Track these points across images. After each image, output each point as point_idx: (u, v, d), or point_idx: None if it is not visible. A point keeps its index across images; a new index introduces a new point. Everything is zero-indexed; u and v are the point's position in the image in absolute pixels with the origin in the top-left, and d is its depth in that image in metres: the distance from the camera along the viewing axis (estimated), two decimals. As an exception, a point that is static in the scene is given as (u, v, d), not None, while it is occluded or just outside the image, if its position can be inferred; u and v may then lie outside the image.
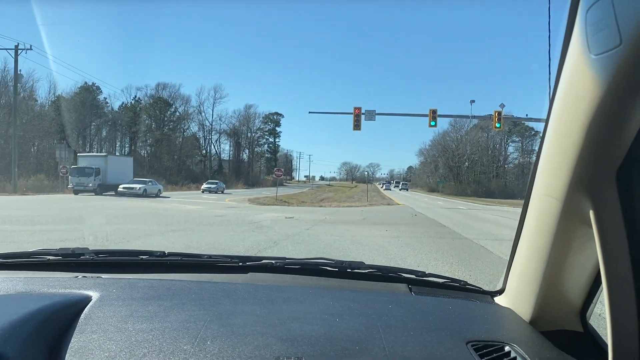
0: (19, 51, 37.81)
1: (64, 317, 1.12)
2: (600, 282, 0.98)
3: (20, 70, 41.48)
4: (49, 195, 33.97)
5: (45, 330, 1.04)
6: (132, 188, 35.15)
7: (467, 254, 10.09)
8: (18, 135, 40.92)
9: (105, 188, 36.97)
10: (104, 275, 1.55)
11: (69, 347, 1.02)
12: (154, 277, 1.56)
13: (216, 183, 54.16)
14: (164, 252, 1.75)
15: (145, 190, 35.62)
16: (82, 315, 1.16)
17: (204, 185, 52.62)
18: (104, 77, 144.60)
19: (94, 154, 45.20)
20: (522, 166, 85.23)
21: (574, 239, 1.05)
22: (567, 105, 0.92)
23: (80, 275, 1.55)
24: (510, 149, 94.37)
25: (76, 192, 35.88)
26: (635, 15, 0.69)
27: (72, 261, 1.69)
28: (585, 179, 0.91)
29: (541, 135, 1.10)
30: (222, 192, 51.17)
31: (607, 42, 0.75)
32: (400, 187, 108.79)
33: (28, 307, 1.09)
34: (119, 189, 35.14)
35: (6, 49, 38.59)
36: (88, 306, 1.22)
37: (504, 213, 27.78)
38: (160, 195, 37.75)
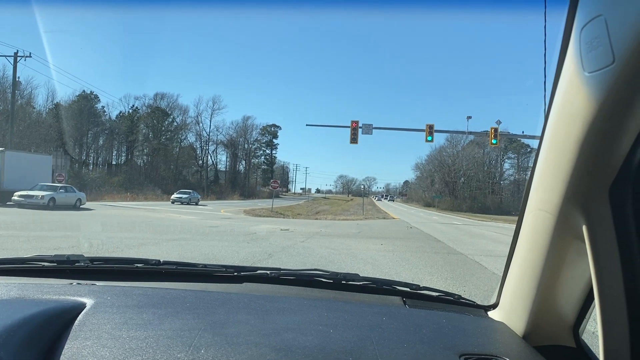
0: (18, 58, 37.91)
1: (57, 324, 1.12)
2: (593, 298, 0.98)
3: (18, 77, 41.41)
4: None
5: (39, 336, 1.03)
6: (33, 197, 24.89)
7: (461, 269, 10.08)
8: (15, 142, 40.75)
9: (1, 196, 26.89)
10: (98, 283, 1.54)
11: (63, 353, 1.02)
12: (148, 285, 1.55)
13: (189, 193, 45.67)
14: (159, 261, 1.75)
15: (52, 200, 25.45)
16: (76, 322, 1.16)
17: (174, 195, 44.65)
18: (103, 85, 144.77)
19: None
20: (518, 183, 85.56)
21: (568, 253, 1.06)
22: (561, 121, 0.93)
23: (74, 282, 1.54)
24: (506, 165, 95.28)
25: None
26: (628, 34, 0.71)
27: (67, 268, 1.69)
28: (579, 195, 0.92)
29: (536, 151, 1.12)
30: (196, 204, 43.62)
31: (601, 60, 0.76)
32: (388, 199, 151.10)
33: (22, 312, 1.09)
34: (13, 198, 25.22)
35: (5, 56, 38.69)
36: (82, 313, 1.21)
37: (499, 229, 27.79)
38: (82, 206, 28.38)
